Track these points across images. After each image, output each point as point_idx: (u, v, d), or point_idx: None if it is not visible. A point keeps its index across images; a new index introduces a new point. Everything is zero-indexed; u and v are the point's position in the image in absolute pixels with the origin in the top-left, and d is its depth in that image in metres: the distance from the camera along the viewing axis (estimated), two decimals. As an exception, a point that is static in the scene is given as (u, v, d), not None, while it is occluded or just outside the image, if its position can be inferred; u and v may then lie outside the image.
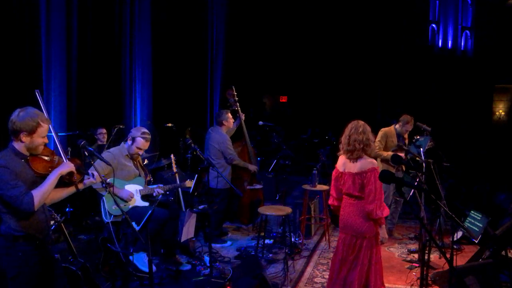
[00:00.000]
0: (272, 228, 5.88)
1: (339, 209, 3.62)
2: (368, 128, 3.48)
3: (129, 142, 4.30)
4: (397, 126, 5.85)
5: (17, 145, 2.62)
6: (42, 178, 2.66)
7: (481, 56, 13.81)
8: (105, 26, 6.76)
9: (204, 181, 5.66)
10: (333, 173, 3.65)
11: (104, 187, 2.92)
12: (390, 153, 5.60)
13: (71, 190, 2.86)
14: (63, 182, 2.73)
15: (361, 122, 3.51)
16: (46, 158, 2.72)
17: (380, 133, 5.76)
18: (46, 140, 2.69)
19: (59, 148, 2.83)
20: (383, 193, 3.40)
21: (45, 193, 2.59)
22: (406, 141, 5.85)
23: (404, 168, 5.57)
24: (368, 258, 3.43)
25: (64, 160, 2.75)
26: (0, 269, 2.66)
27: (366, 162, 3.39)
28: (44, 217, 2.75)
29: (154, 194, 4.34)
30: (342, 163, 3.54)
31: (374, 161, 3.43)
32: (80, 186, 2.87)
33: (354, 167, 3.43)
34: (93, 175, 2.83)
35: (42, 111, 2.74)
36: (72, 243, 3.65)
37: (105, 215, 3.99)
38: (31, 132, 2.59)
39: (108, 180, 3.04)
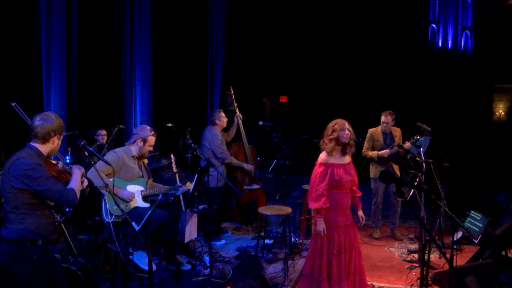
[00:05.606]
0: (272, 228, 5.89)
1: None
2: (329, 126, 3.67)
3: (140, 144, 4.30)
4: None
5: (42, 148, 2.70)
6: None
7: (481, 56, 13.78)
8: (105, 26, 6.75)
9: (204, 181, 5.68)
10: None
11: (104, 186, 2.95)
12: (375, 152, 5.77)
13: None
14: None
15: (334, 121, 3.71)
16: (54, 161, 2.88)
17: (367, 134, 5.93)
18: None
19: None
20: (320, 187, 3.54)
21: (78, 190, 2.72)
22: (396, 139, 5.83)
23: (393, 166, 5.71)
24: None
25: (65, 165, 2.89)
26: (11, 276, 2.60)
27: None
28: (52, 220, 2.83)
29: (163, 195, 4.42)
30: None
31: (322, 156, 3.66)
32: None
33: None
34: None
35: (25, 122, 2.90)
36: (72, 243, 3.65)
37: (106, 214, 3.99)
38: (61, 134, 2.75)
39: (109, 180, 3.06)
